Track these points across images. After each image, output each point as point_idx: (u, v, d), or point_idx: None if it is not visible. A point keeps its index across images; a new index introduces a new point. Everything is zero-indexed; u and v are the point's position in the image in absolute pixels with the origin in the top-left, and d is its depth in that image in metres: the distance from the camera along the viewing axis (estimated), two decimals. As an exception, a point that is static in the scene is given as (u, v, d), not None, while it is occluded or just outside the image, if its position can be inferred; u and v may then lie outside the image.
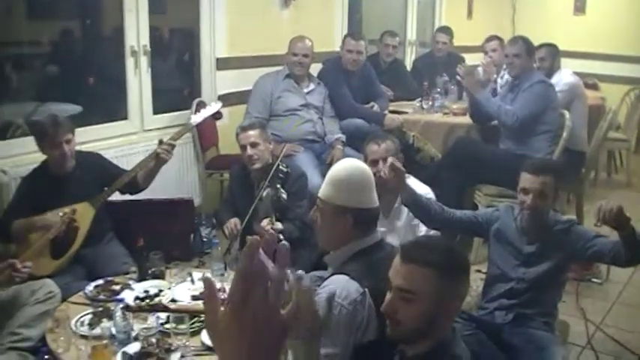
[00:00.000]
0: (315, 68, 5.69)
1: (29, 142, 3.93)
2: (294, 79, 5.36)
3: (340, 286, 2.34)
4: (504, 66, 5.50)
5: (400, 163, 3.67)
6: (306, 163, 4.88)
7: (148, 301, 3.33)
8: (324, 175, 4.90)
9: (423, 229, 3.58)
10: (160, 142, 4.07)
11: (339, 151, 5.23)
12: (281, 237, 3.75)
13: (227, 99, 5.49)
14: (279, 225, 3.80)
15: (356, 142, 5.43)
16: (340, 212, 2.52)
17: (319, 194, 2.64)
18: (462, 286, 2.06)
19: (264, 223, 3.84)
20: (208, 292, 1.02)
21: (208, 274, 3.17)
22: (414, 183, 3.72)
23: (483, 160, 4.91)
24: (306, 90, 5.40)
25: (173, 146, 4.05)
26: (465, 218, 3.44)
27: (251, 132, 4.08)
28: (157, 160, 4.03)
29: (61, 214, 3.79)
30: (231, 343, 0.96)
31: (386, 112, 5.82)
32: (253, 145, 4.05)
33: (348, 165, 2.65)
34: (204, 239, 4.95)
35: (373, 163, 3.65)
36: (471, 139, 5.33)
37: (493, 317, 3.26)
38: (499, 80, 5.62)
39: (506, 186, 4.66)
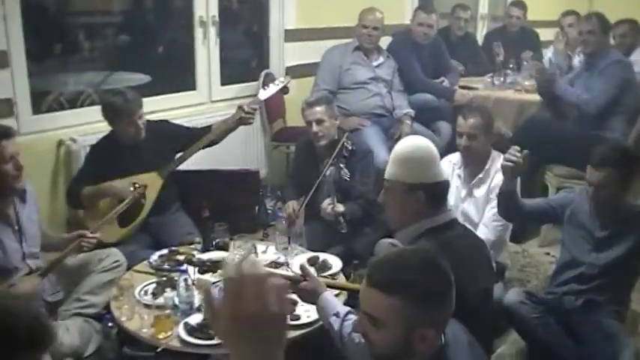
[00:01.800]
0: (384, 41, 5.58)
1: (98, 111, 3.96)
2: (363, 51, 5.26)
3: (383, 249, 2.32)
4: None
5: (489, 139, 3.66)
6: (373, 138, 4.81)
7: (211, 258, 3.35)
8: (391, 150, 4.86)
9: (494, 204, 3.52)
10: (240, 107, 4.09)
11: (408, 126, 5.13)
12: (341, 220, 3.75)
13: (295, 71, 5.46)
14: (340, 207, 3.79)
15: (424, 118, 5.35)
16: (412, 189, 2.49)
17: (385, 175, 2.61)
18: (439, 311, 1.79)
19: (325, 204, 3.83)
20: (207, 299, 1.06)
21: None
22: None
23: (556, 140, 4.73)
24: (375, 63, 5.30)
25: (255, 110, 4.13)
26: (539, 209, 3.34)
27: (317, 108, 4.04)
28: (238, 122, 4.09)
29: (131, 188, 3.82)
30: (236, 345, 1.04)
31: (456, 87, 5.70)
32: (319, 122, 4.01)
33: (412, 142, 2.64)
34: (269, 211, 4.94)
35: (459, 135, 3.70)
36: (544, 117, 5.15)
37: (562, 302, 3.16)
38: (576, 59, 5.37)
39: (578, 167, 4.50)
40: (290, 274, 2.70)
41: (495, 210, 3.44)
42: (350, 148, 3.92)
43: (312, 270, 2.72)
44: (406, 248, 2.00)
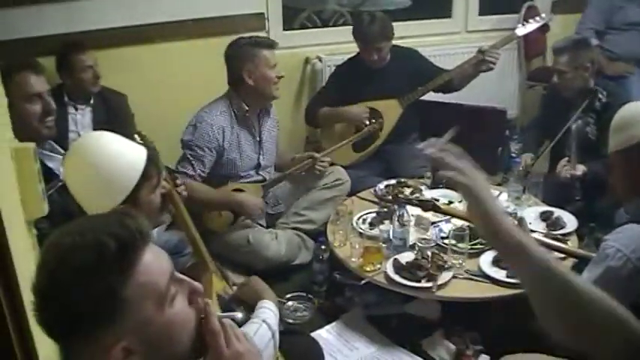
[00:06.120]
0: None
1: (347, 32, 3.92)
2: (642, -14, 4.64)
3: (632, 236, 2.01)
4: None
5: None
6: (639, 89, 4.28)
7: (417, 195, 3.19)
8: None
9: None
10: (480, 51, 3.83)
11: (685, 78, 4.49)
12: (577, 185, 3.34)
13: (562, 5, 5.03)
14: (578, 170, 3.36)
15: None
16: (630, 152, 2.15)
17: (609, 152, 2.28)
18: None
19: (560, 165, 3.43)
20: None
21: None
22: None
23: None
24: (655, 1, 4.65)
25: (499, 55, 3.83)
26: None
27: (559, 58, 3.60)
28: (476, 68, 3.84)
29: (367, 122, 3.85)
30: None
31: None
32: (559, 72, 3.61)
33: (624, 108, 2.27)
34: (513, 154, 4.63)
35: None
36: None
37: None
38: None
39: None
40: None
41: None
42: (604, 100, 3.47)
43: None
44: None
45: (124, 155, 1.98)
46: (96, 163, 1.93)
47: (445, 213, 2.76)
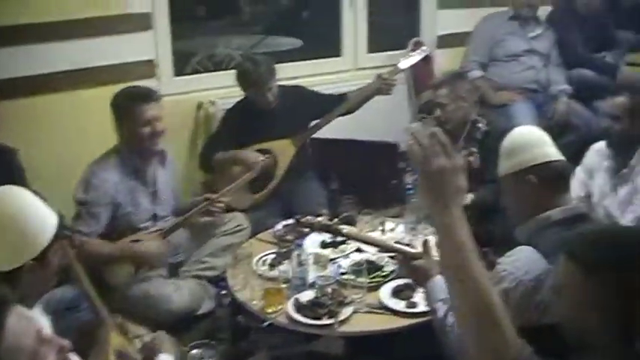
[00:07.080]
0: (544, 11, 5.17)
1: (239, 75, 3.96)
2: (519, 21, 4.90)
3: (523, 258, 2.12)
4: None
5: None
6: (523, 115, 4.49)
7: (321, 220, 3.19)
8: (543, 130, 4.50)
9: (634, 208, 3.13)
10: (379, 76, 4.01)
11: (564, 104, 4.73)
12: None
13: (448, 40, 5.22)
14: (467, 199, 3.47)
15: (583, 96, 4.91)
16: (521, 177, 2.29)
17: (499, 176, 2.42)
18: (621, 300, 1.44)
19: None
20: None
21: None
22: None
23: None
24: (531, 34, 4.90)
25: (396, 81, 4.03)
26: None
27: (439, 92, 3.77)
28: (374, 93, 4.02)
29: (261, 158, 3.83)
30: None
31: (621, 65, 5.16)
32: (440, 105, 3.75)
33: (513, 132, 2.44)
34: (408, 187, 4.75)
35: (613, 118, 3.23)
36: None
37: None
38: None
39: None
40: (408, 249, 2.54)
41: (635, 215, 3.08)
42: (484, 129, 3.64)
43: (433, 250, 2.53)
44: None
45: (39, 211, 1.93)
46: (10, 216, 1.87)
47: (347, 236, 2.81)
